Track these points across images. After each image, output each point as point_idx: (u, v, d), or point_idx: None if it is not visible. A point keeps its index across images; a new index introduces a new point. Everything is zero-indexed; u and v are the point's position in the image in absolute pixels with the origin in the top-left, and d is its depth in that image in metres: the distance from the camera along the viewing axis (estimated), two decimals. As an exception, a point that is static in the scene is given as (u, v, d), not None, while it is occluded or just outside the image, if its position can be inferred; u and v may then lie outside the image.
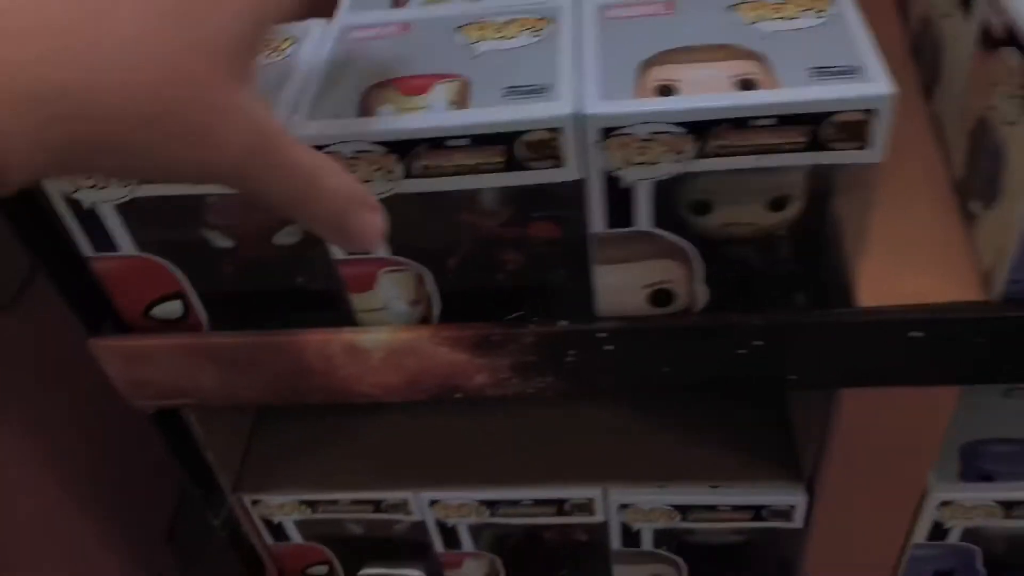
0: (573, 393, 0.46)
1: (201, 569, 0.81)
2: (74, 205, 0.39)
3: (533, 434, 0.60)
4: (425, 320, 0.44)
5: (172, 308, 0.44)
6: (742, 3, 0.39)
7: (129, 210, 0.40)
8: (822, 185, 0.40)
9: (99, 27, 0.23)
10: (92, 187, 0.38)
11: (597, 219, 0.39)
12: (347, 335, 0.44)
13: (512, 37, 0.39)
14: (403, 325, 0.44)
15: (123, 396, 0.47)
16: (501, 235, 0.40)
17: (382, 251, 0.41)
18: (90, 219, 0.40)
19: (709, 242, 0.41)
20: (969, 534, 0.56)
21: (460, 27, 0.40)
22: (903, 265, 0.43)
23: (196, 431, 0.53)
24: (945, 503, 0.54)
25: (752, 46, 0.36)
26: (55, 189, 0.39)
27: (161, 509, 0.78)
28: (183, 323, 0.45)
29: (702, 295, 0.42)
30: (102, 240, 0.41)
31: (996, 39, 0.39)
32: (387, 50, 0.40)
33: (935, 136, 0.48)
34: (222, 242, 0.43)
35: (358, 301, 0.43)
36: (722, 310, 0.42)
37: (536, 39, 0.39)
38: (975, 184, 0.43)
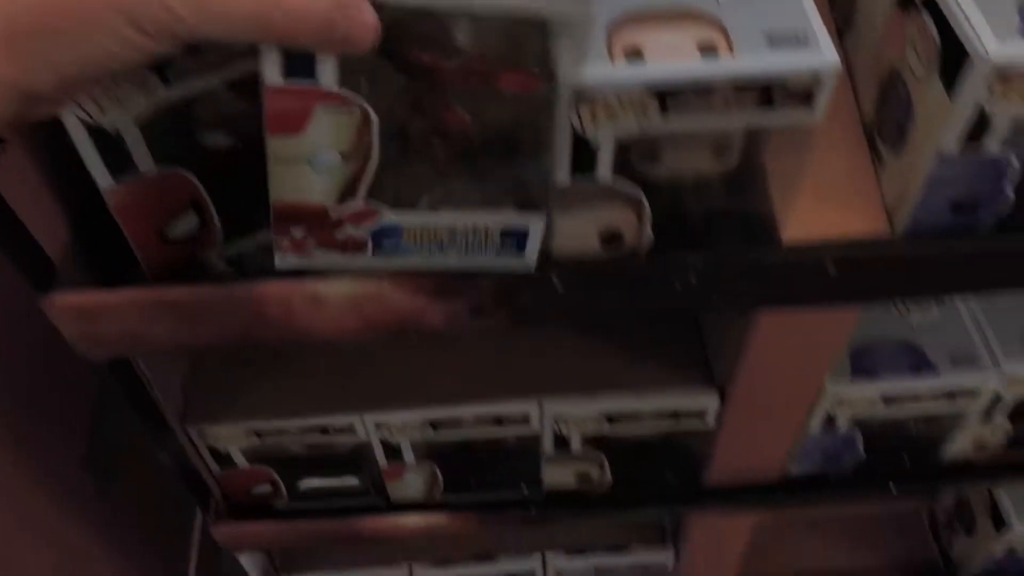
0: (521, 326, 0.49)
1: (119, 488, 0.82)
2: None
3: (467, 353, 0.63)
4: (355, 181, 0.37)
5: (189, 222, 0.44)
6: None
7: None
8: (758, 134, 0.44)
9: None
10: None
11: (562, 171, 0.41)
12: (310, 286, 0.45)
13: None
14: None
15: (76, 350, 0.46)
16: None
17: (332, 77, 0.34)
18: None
19: (655, 187, 0.44)
20: (854, 423, 0.64)
21: None
22: (820, 202, 0.47)
23: (143, 372, 0.53)
24: (838, 400, 0.61)
25: (710, 10, 0.38)
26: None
27: (76, 433, 0.77)
28: (202, 239, 0.45)
29: (647, 237, 0.45)
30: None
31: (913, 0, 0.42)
32: None
33: (844, 75, 0.52)
34: (222, 141, 0.43)
35: (278, 147, 0.36)
36: (665, 249, 0.46)
37: None
38: (884, 129, 0.47)
